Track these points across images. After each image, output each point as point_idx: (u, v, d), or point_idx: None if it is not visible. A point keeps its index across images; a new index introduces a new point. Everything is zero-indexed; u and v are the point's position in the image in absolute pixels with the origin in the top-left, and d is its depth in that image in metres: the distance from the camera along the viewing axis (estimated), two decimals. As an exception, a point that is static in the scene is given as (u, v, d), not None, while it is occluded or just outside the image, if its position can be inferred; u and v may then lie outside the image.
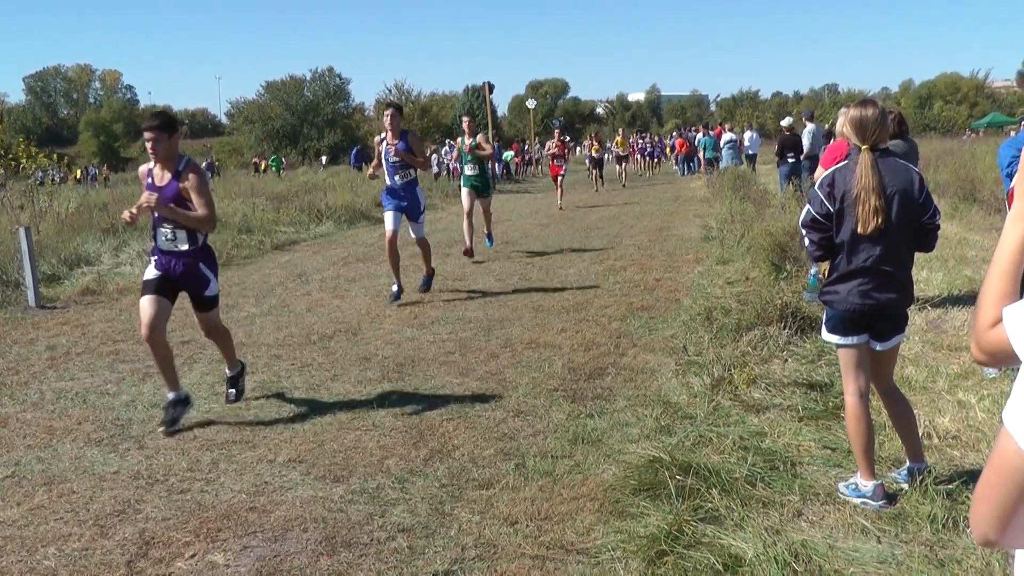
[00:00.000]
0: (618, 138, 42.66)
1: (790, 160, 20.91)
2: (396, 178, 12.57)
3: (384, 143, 12.69)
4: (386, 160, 12.62)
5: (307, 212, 24.62)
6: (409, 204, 12.71)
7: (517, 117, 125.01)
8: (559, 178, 28.46)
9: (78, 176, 70.06)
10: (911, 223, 5.25)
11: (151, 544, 5.21)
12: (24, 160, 21.44)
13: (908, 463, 5.57)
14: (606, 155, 45.57)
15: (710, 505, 5.18)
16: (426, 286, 13.22)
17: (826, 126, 22.09)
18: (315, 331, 10.73)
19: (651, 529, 4.91)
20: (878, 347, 5.43)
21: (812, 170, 16.25)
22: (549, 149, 30.04)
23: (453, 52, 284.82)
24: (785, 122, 22.06)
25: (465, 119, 18.00)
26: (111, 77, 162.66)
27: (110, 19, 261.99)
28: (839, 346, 5.43)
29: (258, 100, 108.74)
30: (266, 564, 4.92)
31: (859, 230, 5.13)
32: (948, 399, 7.07)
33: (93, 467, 6.51)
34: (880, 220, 5.10)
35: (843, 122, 10.26)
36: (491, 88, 45.22)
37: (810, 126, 20.66)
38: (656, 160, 52.70)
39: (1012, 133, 39.44)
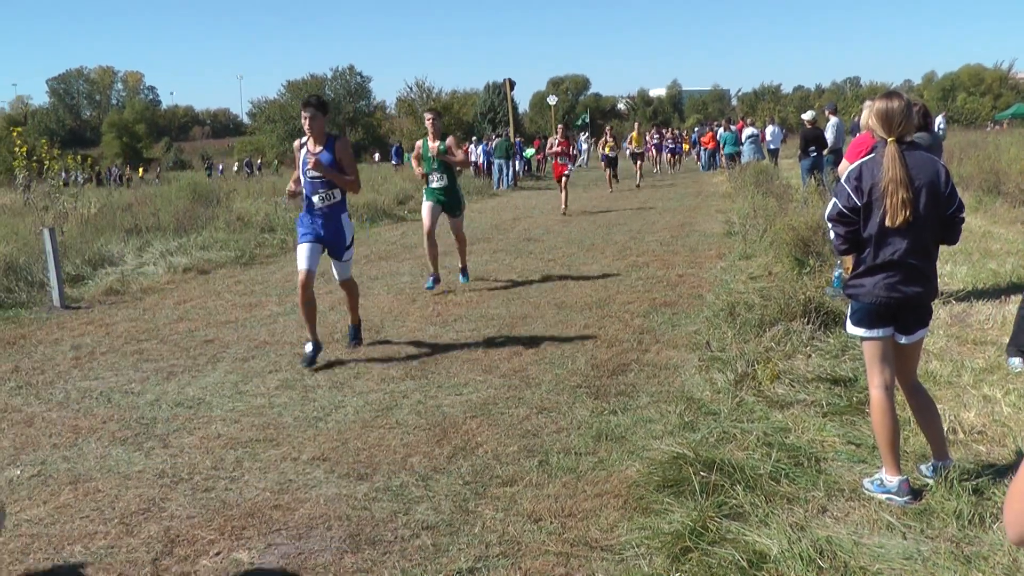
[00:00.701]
0: (632, 134, 38.74)
1: (812, 154, 20.80)
2: (315, 198, 9.63)
3: (303, 150, 9.81)
4: (303, 174, 9.67)
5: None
6: (329, 235, 9.68)
7: (538, 114, 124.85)
8: (563, 179, 25.47)
9: (98, 175, 70.24)
10: (937, 216, 5.22)
11: (176, 542, 5.23)
12: (48, 162, 21.58)
13: (932, 460, 5.55)
14: (621, 152, 40.84)
15: (734, 501, 5.16)
16: (355, 339, 10.10)
17: (854, 118, 21.95)
18: (338, 329, 10.75)
19: (675, 526, 4.90)
20: (903, 340, 5.39)
21: (836, 164, 16.19)
22: (551, 147, 27.14)
23: (474, 49, 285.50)
24: (807, 116, 21.94)
25: (428, 116, 13.65)
26: (133, 78, 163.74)
27: (132, 21, 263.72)
28: (864, 339, 5.39)
29: (279, 99, 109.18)
30: (291, 562, 4.93)
31: (888, 223, 5.10)
32: (973, 394, 7.02)
33: (118, 466, 6.53)
34: (908, 213, 5.07)
35: (867, 115, 10.31)
36: (512, 85, 45.21)
37: (833, 120, 20.58)
38: (677, 156, 49.22)
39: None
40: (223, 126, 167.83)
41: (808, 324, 8.86)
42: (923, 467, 5.57)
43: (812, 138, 20.97)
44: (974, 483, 5.24)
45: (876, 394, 5.38)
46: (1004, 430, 6.27)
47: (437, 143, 13.34)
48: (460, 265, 14.11)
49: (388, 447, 6.67)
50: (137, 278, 15.38)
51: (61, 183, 26.86)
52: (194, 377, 8.88)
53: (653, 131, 53.73)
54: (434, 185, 13.51)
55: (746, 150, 33.89)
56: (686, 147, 55.07)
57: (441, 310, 11.74)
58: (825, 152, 20.30)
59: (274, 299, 13.16)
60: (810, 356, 8.21)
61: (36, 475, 6.41)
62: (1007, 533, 1.55)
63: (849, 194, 5.20)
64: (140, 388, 8.58)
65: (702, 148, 46.23)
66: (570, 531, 5.12)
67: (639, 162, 37.13)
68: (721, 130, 41.12)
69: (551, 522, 5.24)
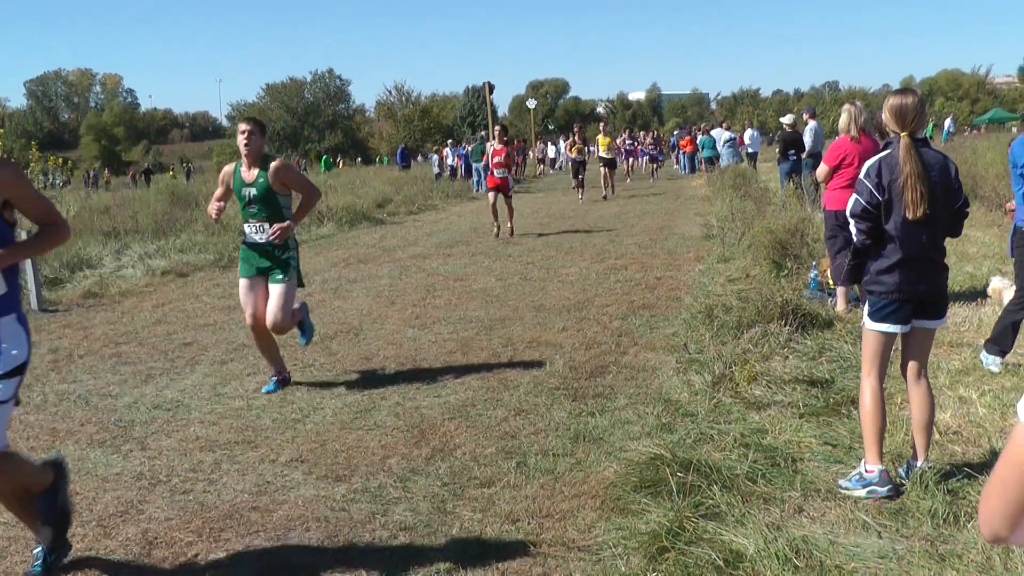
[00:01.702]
0: (600, 137, 33.38)
1: (791, 158, 20.88)
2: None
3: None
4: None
5: (308, 214, 24.55)
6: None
7: (518, 117, 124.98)
8: (493, 194, 20.18)
9: (93, 177, 69.94)
10: (948, 209, 5.39)
11: (154, 544, 5.22)
12: (32, 163, 21.49)
13: (909, 460, 5.60)
14: (591, 157, 36.75)
15: (711, 502, 5.18)
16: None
17: (853, 123, 22.01)
18: (317, 332, 10.74)
19: (652, 526, 4.92)
20: (926, 325, 5.52)
21: (814, 168, 16.26)
22: (485, 154, 22.02)
23: (453, 53, 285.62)
24: (786, 119, 22.02)
25: (242, 129, 8.29)
26: (112, 81, 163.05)
27: (110, 23, 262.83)
28: (878, 333, 5.45)
29: (259, 102, 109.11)
30: (269, 563, 4.93)
31: (908, 215, 5.20)
32: (949, 395, 7.07)
33: (96, 468, 6.52)
34: (926, 205, 5.18)
35: (847, 119, 10.37)
36: (491, 88, 45.16)
37: (812, 123, 20.63)
38: (659, 163, 44.05)
39: (1014, 130, 39.43)
40: (202, 129, 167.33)
41: (786, 326, 8.90)
42: (899, 469, 5.61)
43: (791, 141, 21.05)
44: (949, 483, 5.29)
45: (873, 384, 5.47)
46: (979, 431, 6.32)
47: (252, 171, 8.24)
48: (300, 329, 8.95)
49: (366, 449, 6.68)
50: (115, 281, 15.34)
51: (40, 185, 26.77)
52: (172, 380, 8.86)
53: (625, 135, 49.62)
54: (254, 237, 8.27)
55: (724, 153, 33.99)
56: (667, 148, 53.80)
57: (420, 312, 11.74)
58: (804, 156, 20.37)
59: (253, 302, 13.12)
60: (787, 358, 8.25)
61: (13, 477, 6.39)
62: (981, 531, 1.58)
63: (871, 190, 5.27)
64: (118, 391, 8.56)
65: (681, 152, 46.13)
66: (547, 532, 5.14)
67: (605, 171, 31.42)
68: (700, 134, 41.12)
69: (528, 523, 5.26)
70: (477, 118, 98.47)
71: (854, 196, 5.40)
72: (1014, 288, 8.78)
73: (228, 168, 8.54)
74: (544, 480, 5.90)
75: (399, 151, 56.22)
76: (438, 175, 43.23)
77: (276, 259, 8.24)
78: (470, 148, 42.44)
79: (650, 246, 17.38)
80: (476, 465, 6.24)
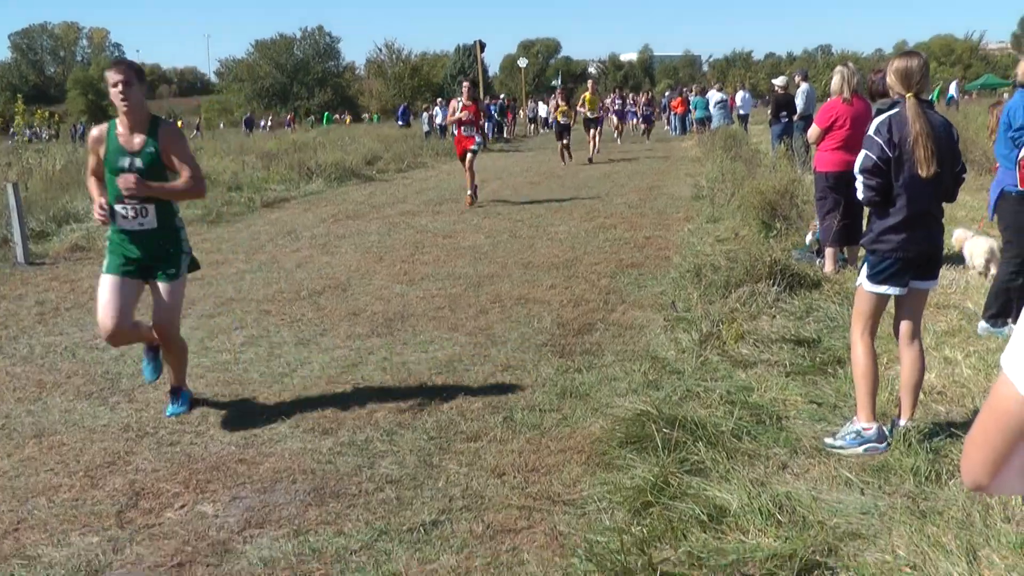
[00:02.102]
0: (586, 95, 29.94)
1: (783, 120, 20.85)
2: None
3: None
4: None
5: (297, 170, 24.51)
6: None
7: (509, 76, 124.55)
8: (468, 156, 18.36)
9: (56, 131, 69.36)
10: (950, 171, 5.43)
11: (141, 495, 5.24)
12: (18, 117, 21.33)
13: (895, 419, 5.63)
14: (576, 118, 32.40)
15: (696, 458, 5.20)
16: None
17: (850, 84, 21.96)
18: (305, 287, 10.74)
19: (637, 481, 4.94)
20: (923, 286, 5.56)
21: (806, 130, 16.25)
22: (453, 112, 19.07)
23: (445, 11, 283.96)
24: (778, 81, 21.93)
25: (112, 79, 6.09)
26: (98, 35, 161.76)
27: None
28: (876, 295, 5.47)
29: (248, 59, 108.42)
30: (255, 514, 4.95)
31: (921, 173, 5.22)
32: (935, 355, 7.10)
33: (83, 420, 6.52)
34: (936, 164, 5.22)
35: (840, 81, 10.35)
36: (483, 47, 45.14)
37: (804, 86, 20.59)
38: (650, 124, 42.39)
39: (1005, 95, 39.27)
40: (190, 85, 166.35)
41: (773, 286, 8.91)
42: (884, 428, 5.64)
43: (783, 104, 21.01)
44: (932, 442, 5.31)
45: (867, 342, 5.52)
46: (963, 391, 6.35)
47: (142, 139, 6.23)
48: (172, 384, 6.78)
49: (353, 403, 6.69)
50: (102, 235, 15.21)
51: (26, 139, 26.61)
52: (159, 333, 8.84)
53: (614, 94, 47.08)
54: (130, 224, 6.31)
55: (715, 115, 33.92)
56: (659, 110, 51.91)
57: (408, 269, 11.73)
58: (795, 118, 20.34)
59: (241, 256, 13.12)
60: (775, 317, 8.27)
61: (0, 428, 6.39)
62: (963, 479, 1.59)
63: (882, 146, 5.28)
64: (105, 344, 8.52)
65: (672, 113, 45.83)
66: (533, 485, 5.16)
67: (592, 131, 29.30)
68: (693, 95, 40.92)
69: (514, 477, 5.28)
70: (468, 77, 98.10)
71: (863, 152, 5.39)
72: (974, 238, 8.91)
73: (98, 131, 6.39)
74: (530, 435, 5.92)
75: (400, 109, 56.02)
76: (428, 133, 43.03)
77: (161, 251, 6.39)
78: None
79: (640, 206, 17.37)
80: (463, 420, 6.25)
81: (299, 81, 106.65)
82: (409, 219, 16.57)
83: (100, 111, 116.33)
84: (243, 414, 6.53)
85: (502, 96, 58.86)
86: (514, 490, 5.10)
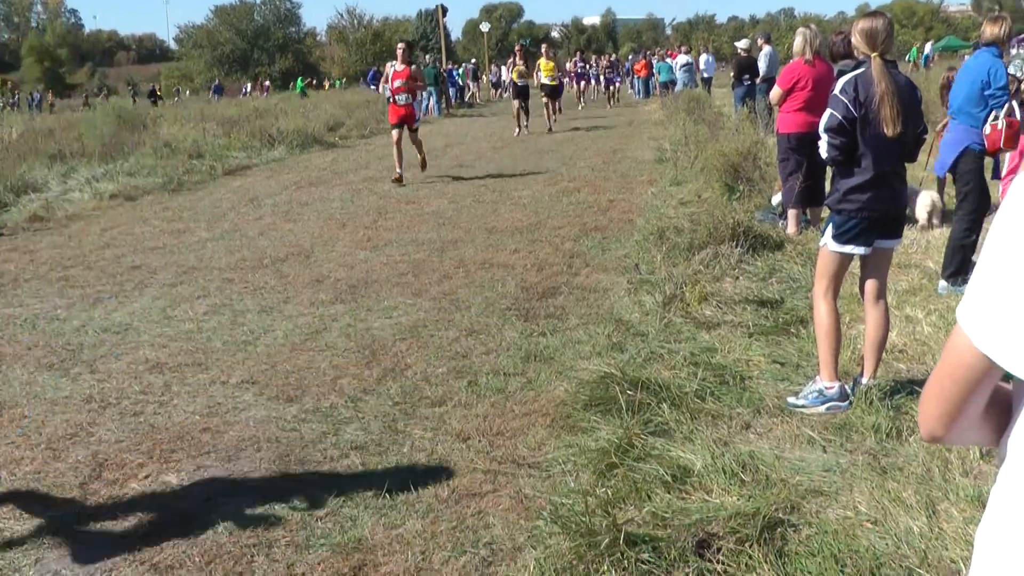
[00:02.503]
0: (541, 61, 27.86)
1: (746, 82, 20.87)
2: None
3: None
4: None
5: (258, 137, 24.32)
6: None
7: (471, 42, 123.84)
8: (397, 131, 16.44)
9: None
10: (912, 131, 5.46)
11: (104, 466, 5.21)
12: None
13: (857, 377, 5.68)
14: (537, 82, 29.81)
15: (660, 419, 5.23)
16: None
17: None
18: (268, 254, 10.68)
19: (601, 443, 4.96)
20: (887, 245, 5.58)
21: (768, 92, 16.25)
22: (386, 78, 17.17)
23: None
24: (741, 44, 21.93)
25: None
26: (53, 1, 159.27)
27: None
28: (840, 254, 5.50)
29: (207, 25, 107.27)
30: (220, 484, 4.94)
31: (887, 132, 5.23)
32: (896, 314, 7.14)
33: (44, 391, 6.47)
34: (901, 123, 5.24)
35: (802, 42, 10.36)
36: (444, 11, 44.86)
37: (767, 49, 20.58)
38: (615, 87, 40.43)
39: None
40: (149, 52, 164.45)
41: (736, 248, 8.94)
42: (846, 386, 5.68)
43: (746, 67, 21.02)
44: (894, 399, 5.36)
45: (830, 302, 5.55)
46: (924, 348, 6.41)
47: None
48: None
49: (317, 370, 6.67)
50: (62, 205, 15.12)
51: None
52: (121, 303, 8.78)
53: (576, 57, 43.49)
54: None
55: (680, 78, 33.89)
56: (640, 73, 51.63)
57: (372, 235, 11.69)
58: (758, 81, 20.35)
59: (203, 225, 13.02)
60: (738, 279, 8.31)
61: (-40, 401, 6.34)
62: (921, 430, 1.61)
63: (848, 105, 5.28)
64: (66, 314, 8.48)
65: (636, 76, 45.58)
66: (498, 449, 5.17)
67: (546, 100, 27.05)
68: (656, 60, 40.80)
69: (479, 441, 5.29)
70: (430, 42, 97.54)
71: (829, 111, 5.40)
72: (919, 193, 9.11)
73: None
74: (495, 399, 5.93)
75: (370, 73, 55.64)
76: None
77: None
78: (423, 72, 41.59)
79: (603, 169, 17.35)
80: (427, 385, 6.26)
81: (260, 47, 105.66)
82: (372, 185, 16.49)
83: (57, 78, 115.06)
84: (207, 383, 6.50)
85: (473, 60, 58.32)
86: (479, 454, 5.11)
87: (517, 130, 25.62)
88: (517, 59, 27.59)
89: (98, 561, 4.19)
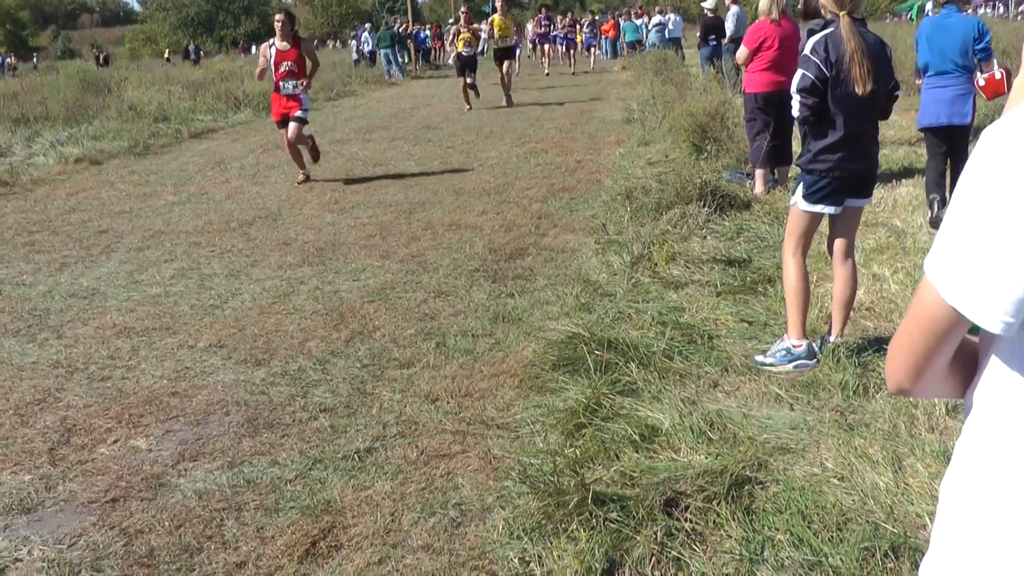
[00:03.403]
0: (494, 18, 23.54)
1: (712, 43, 20.84)
2: None
3: None
4: None
5: (224, 100, 24.14)
6: None
7: (438, 3, 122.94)
8: (292, 126, 12.70)
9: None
10: (884, 89, 5.44)
11: (73, 431, 5.19)
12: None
13: (824, 335, 5.71)
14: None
15: (628, 379, 5.25)
16: None
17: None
18: (235, 218, 10.63)
19: (570, 403, 4.98)
20: (857, 204, 5.59)
21: (735, 53, 16.23)
22: (265, 56, 12.95)
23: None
24: (708, 4, 21.84)
25: None
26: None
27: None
28: (811, 214, 5.51)
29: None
30: (189, 447, 4.93)
31: (858, 90, 5.22)
32: (864, 272, 7.17)
33: (11, 357, 6.43)
34: (872, 82, 5.23)
35: (768, 2, 10.34)
36: (410, -29, 44.28)
37: (734, 8, 20.51)
38: (573, 51, 37.17)
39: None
40: (113, 14, 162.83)
41: (704, 208, 8.96)
42: (813, 344, 5.71)
43: (712, 27, 20.98)
44: (861, 357, 5.40)
45: (799, 260, 5.56)
46: (891, 306, 6.45)
47: None
48: None
49: (285, 333, 6.66)
50: (27, 169, 14.96)
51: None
52: (88, 268, 8.73)
53: (541, 15, 39.12)
54: None
55: (652, 37, 33.76)
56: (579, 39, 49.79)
57: (339, 197, 11.65)
58: (725, 41, 20.31)
59: (169, 189, 12.93)
60: (705, 238, 8.32)
61: (-76, 367, 6.29)
62: (888, 384, 1.62)
63: (819, 65, 5.27)
64: (32, 279, 8.41)
65: (603, 37, 45.27)
66: (466, 410, 5.19)
67: (506, 63, 23.33)
68: (623, 20, 40.55)
69: (448, 402, 5.31)
70: (396, 3, 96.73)
71: (800, 71, 5.39)
72: None
73: None
74: (463, 360, 5.94)
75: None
76: (356, 61, 42.37)
77: None
78: (376, 35, 40.46)
79: (571, 130, 17.33)
80: (395, 347, 6.26)
81: (225, 9, 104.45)
82: (339, 147, 16.40)
83: (19, 41, 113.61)
84: (175, 347, 6.48)
85: (451, 22, 57.63)
86: (448, 415, 5.12)
87: (467, 106, 22.34)
88: (462, 25, 22.94)
89: (67, 526, 4.18)
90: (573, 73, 34.12)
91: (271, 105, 13.39)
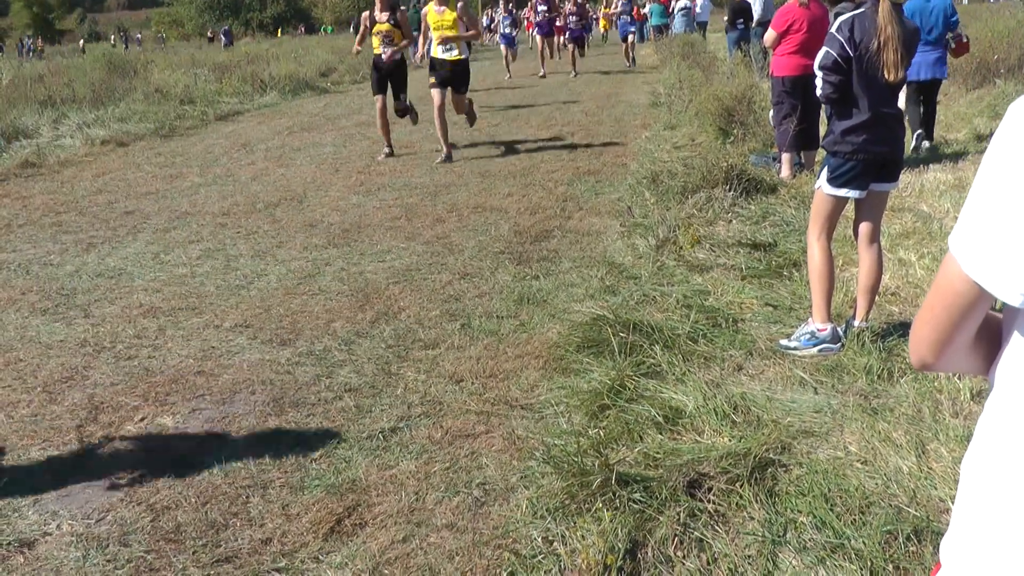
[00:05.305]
0: (431, 4, 13.17)
1: (740, 26, 20.75)
2: None
3: None
4: None
5: (250, 83, 24.19)
6: None
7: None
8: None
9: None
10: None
11: (100, 409, 5.23)
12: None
13: (849, 319, 5.70)
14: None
15: (652, 361, 5.25)
16: None
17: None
18: (260, 199, 10.66)
19: (594, 384, 4.99)
20: (883, 188, 5.56)
21: (763, 36, 16.15)
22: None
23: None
24: (735, -13, 21.78)
25: None
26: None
27: None
28: (835, 197, 5.49)
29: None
30: (215, 426, 4.96)
31: (889, 77, 5.22)
32: (889, 257, 7.15)
33: (39, 336, 6.48)
34: (902, 69, 5.22)
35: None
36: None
37: (762, -9, 20.45)
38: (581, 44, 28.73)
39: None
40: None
41: (730, 191, 8.94)
42: (838, 328, 5.70)
43: (740, 10, 20.88)
44: (885, 341, 5.38)
45: (824, 245, 5.55)
46: (917, 291, 6.42)
47: None
48: None
49: (311, 313, 6.69)
50: (54, 151, 15.04)
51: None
52: (114, 248, 8.78)
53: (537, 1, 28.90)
54: None
55: (677, 22, 33.58)
56: (604, 25, 44.65)
57: (364, 179, 11.67)
58: (753, 24, 20.22)
59: (195, 170, 12.98)
60: (731, 222, 8.31)
61: (-46, 345, 6.35)
62: (911, 358, 1.62)
63: (843, 43, 5.25)
64: (59, 259, 8.47)
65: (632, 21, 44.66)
66: (491, 391, 5.20)
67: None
68: (648, 3, 40.23)
69: (472, 383, 5.32)
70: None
71: (824, 49, 5.37)
72: None
73: None
74: (488, 341, 5.95)
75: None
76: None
77: None
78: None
79: (597, 114, 17.30)
80: (420, 327, 6.27)
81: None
82: (364, 130, 16.42)
83: (46, 24, 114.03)
84: (200, 327, 6.51)
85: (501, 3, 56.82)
86: (472, 396, 5.14)
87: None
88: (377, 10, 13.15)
89: (95, 501, 4.22)
90: (575, 75, 26.55)
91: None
